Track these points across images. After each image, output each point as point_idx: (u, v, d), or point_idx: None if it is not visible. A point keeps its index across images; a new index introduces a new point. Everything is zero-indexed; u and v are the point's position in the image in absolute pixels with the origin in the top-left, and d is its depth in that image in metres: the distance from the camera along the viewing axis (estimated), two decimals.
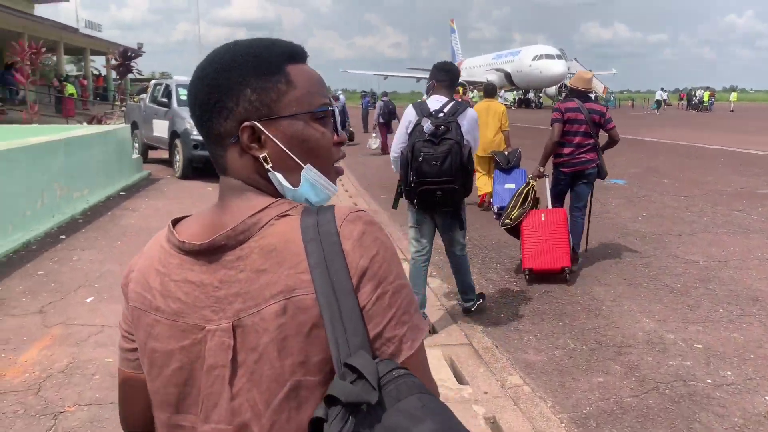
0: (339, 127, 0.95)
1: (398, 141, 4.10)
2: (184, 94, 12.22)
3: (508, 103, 54.25)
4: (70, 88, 22.46)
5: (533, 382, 3.57)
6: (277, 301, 0.79)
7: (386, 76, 62.29)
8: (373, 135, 18.04)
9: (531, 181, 5.54)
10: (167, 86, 12.52)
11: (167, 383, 0.87)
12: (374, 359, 0.77)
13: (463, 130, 3.93)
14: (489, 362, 3.81)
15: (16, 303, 4.56)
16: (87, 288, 4.99)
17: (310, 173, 0.88)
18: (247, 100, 0.86)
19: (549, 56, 46.35)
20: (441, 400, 0.76)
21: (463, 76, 59.74)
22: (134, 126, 13.76)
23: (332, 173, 0.93)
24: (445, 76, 4.10)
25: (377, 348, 0.79)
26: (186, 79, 16.93)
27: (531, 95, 56.66)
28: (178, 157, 11.21)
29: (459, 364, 3.80)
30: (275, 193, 0.89)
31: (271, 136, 0.86)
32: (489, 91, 8.21)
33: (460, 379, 3.64)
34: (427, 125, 3.85)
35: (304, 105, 0.88)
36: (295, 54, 0.91)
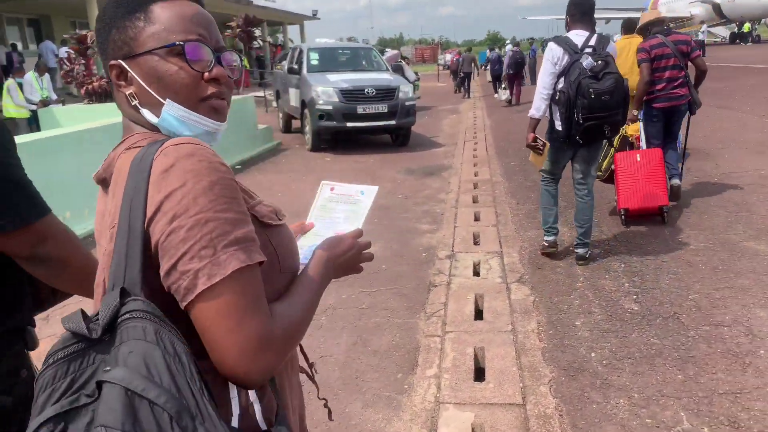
0: (213, 63, 0.93)
1: (548, 79, 4.08)
2: (315, 59, 11.63)
3: (719, 40, 46.88)
4: (244, 60, 23.48)
5: None
6: (109, 229, 0.86)
7: None
8: (503, 86, 17.28)
9: (622, 129, 5.23)
10: (300, 51, 12.02)
11: None
12: (168, 292, 0.80)
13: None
14: None
15: None
16: None
17: (171, 108, 0.90)
18: (112, 40, 0.91)
19: None
20: (156, 348, 0.72)
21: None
22: (278, 95, 13.62)
23: (202, 108, 0.92)
24: (576, 10, 4.11)
25: (173, 282, 0.78)
26: (325, 41, 16.55)
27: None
28: (308, 128, 10.66)
29: None
30: (152, 126, 0.93)
31: (133, 73, 0.91)
32: (628, 26, 6.51)
33: None
34: (587, 61, 3.88)
35: (160, 40, 0.89)
36: None
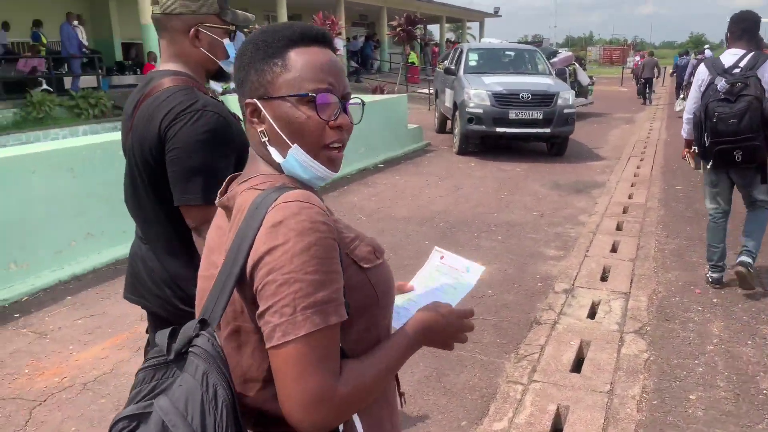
0: (339, 111, 0.99)
1: (692, 102, 4.07)
2: (474, 60, 11.36)
3: None
4: (413, 56, 23.76)
5: None
6: (224, 256, 0.95)
7: None
8: (680, 96, 15.80)
9: None
10: (460, 51, 11.79)
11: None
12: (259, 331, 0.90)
13: (763, 82, 3.72)
14: None
15: None
16: None
17: (296, 152, 0.98)
18: (251, 81, 0.99)
19: None
20: (199, 388, 0.85)
21: None
22: (436, 95, 13.54)
23: (322, 156, 1.00)
24: (735, 27, 3.94)
25: (262, 325, 0.89)
26: (490, 41, 16.03)
27: None
28: (457, 130, 10.44)
29: None
30: (276, 163, 1.01)
31: (266, 114, 0.99)
32: None
33: None
34: (721, 83, 3.75)
35: (293, 88, 0.97)
36: (303, 38, 0.99)
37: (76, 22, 13.74)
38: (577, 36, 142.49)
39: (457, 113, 10.28)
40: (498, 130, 9.61)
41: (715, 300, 4.09)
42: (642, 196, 7.29)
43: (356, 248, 1.00)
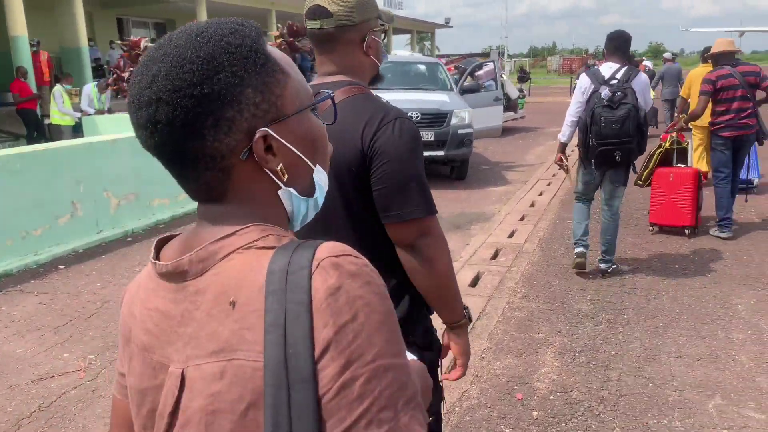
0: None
1: (574, 108, 4.46)
2: None
3: None
4: None
5: None
6: (216, 361, 0.62)
7: (742, 33, 49.61)
8: None
9: (664, 144, 5.72)
10: None
11: (142, 426, 0.72)
12: None
13: (637, 93, 4.22)
14: None
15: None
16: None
17: (321, 175, 0.75)
18: (253, 104, 0.66)
19: None
20: None
21: None
22: None
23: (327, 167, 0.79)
24: (610, 44, 4.45)
25: None
26: (398, 54, 14.94)
27: None
28: None
29: None
30: (272, 216, 0.70)
31: (285, 142, 0.69)
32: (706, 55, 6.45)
33: None
34: (605, 92, 4.20)
35: (305, 95, 0.72)
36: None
37: None
38: (540, 46, 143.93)
39: None
40: None
41: (534, 413, 2.90)
42: (524, 234, 6.13)
43: None
